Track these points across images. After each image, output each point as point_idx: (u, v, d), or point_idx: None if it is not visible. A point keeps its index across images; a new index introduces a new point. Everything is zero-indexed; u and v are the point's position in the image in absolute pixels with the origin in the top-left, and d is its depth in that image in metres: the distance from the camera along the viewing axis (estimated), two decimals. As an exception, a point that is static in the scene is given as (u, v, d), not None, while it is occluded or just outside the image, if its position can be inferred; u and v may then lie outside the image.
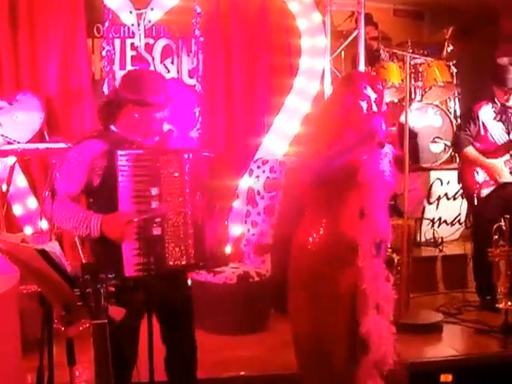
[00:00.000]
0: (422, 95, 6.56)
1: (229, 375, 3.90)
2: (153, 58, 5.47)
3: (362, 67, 6.12)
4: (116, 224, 2.77)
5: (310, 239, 3.04)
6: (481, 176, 4.99)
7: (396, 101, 6.73)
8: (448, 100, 6.96)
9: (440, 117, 6.43)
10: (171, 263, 2.82)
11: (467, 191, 5.12)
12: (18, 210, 5.34)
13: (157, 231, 2.82)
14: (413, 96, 6.56)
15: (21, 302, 3.68)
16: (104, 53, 5.41)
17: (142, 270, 2.78)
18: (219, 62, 6.08)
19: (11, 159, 5.13)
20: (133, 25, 5.45)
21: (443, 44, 6.89)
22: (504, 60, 4.92)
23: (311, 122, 4.76)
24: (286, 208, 5.08)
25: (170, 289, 2.97)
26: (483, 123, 4.97)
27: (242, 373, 3.95)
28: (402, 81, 6.21)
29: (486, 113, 4.97)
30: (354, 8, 6.28)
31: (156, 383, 2.88)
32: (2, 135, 5.12)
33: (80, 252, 5.26)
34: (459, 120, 6.20)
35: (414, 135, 6.14)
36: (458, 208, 6.02)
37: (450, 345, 4.45)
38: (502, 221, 4.53)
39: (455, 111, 6.89)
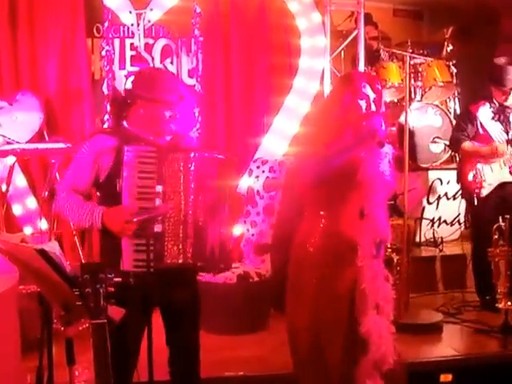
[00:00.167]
0: (422, 95, 6.56)
1: (228, 375, 3.90)
2: (152, 58, 5.47)
3: (361, 67, 6.12)
4: (117, 218, 2.78)
5: (311, 239, 3.04)
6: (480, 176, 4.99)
7: (396, 101, 6.73)
8: (448, 100, 6.96)
9: (440, 117, 6.43)
10: (168, 261, 2.82)
11: (466, 191, 5.12)
12: (17, 209, 5.33)
13: (158, 228, 2.82)
14: (412, 96, 6.57)
15: (20, 302, 3.68)
16: (103, 53, 5.42)
17: (140, 265, 2.78)
18: (219, 62, 6.08)
19: (11, 159, 5.13)
20: (132, 25, 5.45)
21: (443, 44, 6.90)
22: (501, 60, 4.92)
23: (310, 122, 4.76)
24: (285, 208, 5.08)
25: (175, 288, 2.97)
26: (481, 123, 4.96)
27: (242, 373, 3.95)
28: (402, 81, 6.22)
29: (484, 113, 4.96)
30: (354, 8, 6.28)
31: (156, 383, 2.88)
32: (2, 135, 5.12)
33: (80, 252, 5.27)
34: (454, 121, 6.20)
35: (411, 135, 6.14)
36: (457, 208, 6.01)
37: (449, 345, 4.44)
38: (501, 220, 4.53)
39: (455, 111, 6.89)
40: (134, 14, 5.47)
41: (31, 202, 5.36)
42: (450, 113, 6.66)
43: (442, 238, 6.08)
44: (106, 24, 5.39)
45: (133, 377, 2.98)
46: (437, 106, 6.49)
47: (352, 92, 3.01)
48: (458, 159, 5.67)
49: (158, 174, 2.82)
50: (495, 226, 4.56)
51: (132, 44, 5.45)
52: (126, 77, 5.45)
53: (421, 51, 6.71)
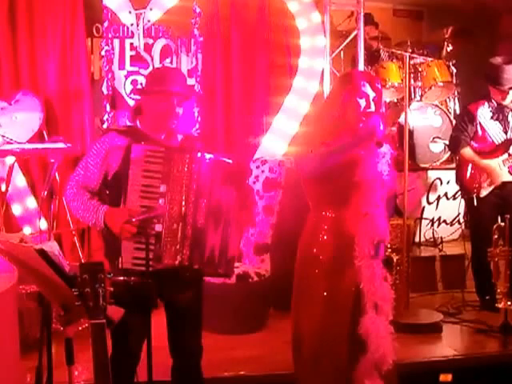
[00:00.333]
0: (422, 95, 6.56)
1: (228, 375, 3.91)
2: (152, 58, 5.47)
3: (361, 67, 6.12)
4: (117, 219, 2.79)
5: (316, 239, 3.04)
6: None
7: (395, 101, 6.73)
8: (448, 100, 6.96)
9: (440, 117, 6.43)
10: (166, 261, 2.81)
11: (466, 191, 5.11)
12: (17, 209, 5.33)
13: (158, 228, 2.82)
14: (412, 96, 6.56)
15: (20, 302, 3.68)
16: (103, 52, 5.42)
17: (139, 264, 2.78)
18: (218, 61, 6.08)
19: (10, 159, 5.12)
20: (132, 25, 5.45)
21: (443, 44, 6.89)
22: (498, 60, 4.91)
23: (310, 121, 4.76)
24: (285, 208, 5.08)
25: (180, 288, 2.97)
26: (480, 123, 4.96)
27: (242, 372, 3.95)
28: (402, 81, 6.21)
29: (483, 113, 4.96)
30: (354, 8, 6.27)
31: (155, 383, 2.88)
32: (2, 135, 5.12)
33: (79, 252, 5.27)
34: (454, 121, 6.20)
35: (411, 135, 6.14)
36: (457, 208, 6.01)
37: (449, 344, 4.44)
38: (500, 220, 4.53)
39: (455, 111, 6.89)
40: (134, 14, 5.47)
41: (31, 202, 5.36)
42: (450, 113, 6.66)
43: (441, 237, 6.09)
44: (106, 24, 5.40)
45: (133, 379, 2.99)
46: (437, 105, 6.49)
47: (351, 91, 3.02)
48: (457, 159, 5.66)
49: (164, 173, 2.82)
50: (495, 226, 4.57)
51: (131, 44, 5.46)
52: (126, 77, 5.46)
53: (421, 51, 6.71)
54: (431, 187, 6.26)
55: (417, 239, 6.08)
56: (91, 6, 5.71)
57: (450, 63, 6.63)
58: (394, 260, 4.80)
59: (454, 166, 5.85)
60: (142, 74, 5.46)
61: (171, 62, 5.50)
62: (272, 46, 6.21)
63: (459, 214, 6.20)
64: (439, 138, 6.33)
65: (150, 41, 5.49)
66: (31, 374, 3.13)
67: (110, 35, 5.40)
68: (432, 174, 6.30)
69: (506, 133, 4.95)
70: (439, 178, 6.26)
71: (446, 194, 6.27)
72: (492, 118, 4.95)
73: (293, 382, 3.25)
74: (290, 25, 6.16)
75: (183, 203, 2.84)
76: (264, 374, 3.95)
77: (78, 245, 5.28)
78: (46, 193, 4.65)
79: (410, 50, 6.40)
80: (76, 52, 5.61)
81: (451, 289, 5.52)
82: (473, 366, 4.16)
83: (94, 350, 2.08)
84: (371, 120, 2.95)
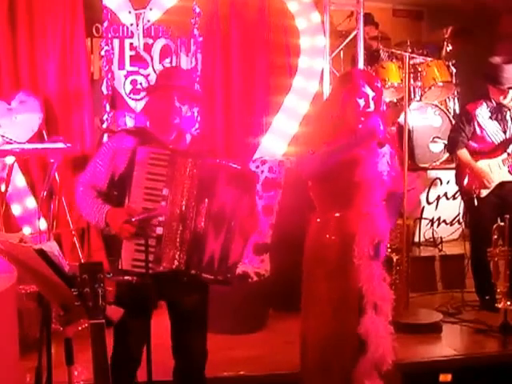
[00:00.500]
0: (422, 95, 6.56)
1: (227, 375, 3.90)
2: (151, 58, 5.47)
3: (361, 67, 6.11)
4: (117, 219, 2.78)
5: (324, 238, 3.04)
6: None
7: (395, 101, 6.73)
8: (447, 100, 6.96)
9: (439, 117, 6.43)
10: (164, 264, 2.81)
11: (466, 192, 5.11)
12: (16, 209, 5.33)
13: (159, 231, 2.81)
14: (412, 96, 6.56)
15: (19, 302, 3.68)
16: (103, 52, 5.43)
17: (138, 266, 2.77)
18: (218, 61, 6.08)
19: (10, 159, 5.12)
20: (132, 24, 5.46)
21: (442, 44, 6.89)
22: (497, 59, 4.92)
23: (311, 120, 4.77)
24: (285, 208, 5.09)
25: (183, 291, 2.96)
26: (479, 123, 4.96)
27: (241, 372, 3.95)
28: (402, 81, 6.21)
29: (482, 113, 4.96)
30: (353, 8, 6.28)
31: (155, 383, 2.88)
32: (2, 135, 5.11)
33: (79, 252, 5.27)
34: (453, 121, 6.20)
35: (410, 135, 6.14)
36: (457, 208, 6.01)
37: (449, 344, 4.45)
38: (499, 220, 4.53)
39: (454, 111, 6.89)
40: (134, 14, 5.48)
41: (30, 202, 5.35)
42: (450, 113, 6.66)
43: (441, 237, 6.08)
44: (106, 24, 5.40)
45: (134, 381, 2.99)
46: (436, 105, 6.49)
47: (350, 91, 3.02)
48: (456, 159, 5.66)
49: (168, 177, 2.82)
50: (495, 226, 4.57)
51: (131, 44, 5.46)
52: (126, 77, 5.46)
53: (420, 51, 6.71)
54: (431, 187, 6.25)
55: (416, 239, 6.08)
56: (91, 5, 5.71)
57: (450, 63, 6.63)
58: (394, 260, 4.81)
59: (453, 165, 5.85)
60: (142, 74, 5.47)
61: (171, 62, 5.50)
62: (272, 46, 6.21)
63: (459, 213, 6.19)
64: (439, 137, 6.33)
65: (150, 41, 5.49)
66: (31, 374, 3.12)
67: (109, 35, 5.41)
68: (432, 174, 6.29)
69: (504, 132, 4.95)
70: (439, 178, 6.26)
71: (445, 194, 6.27)
72: (490, 117, 4.95)
73: (294, 381, 3.26)
74: (289, 25, 6.16)
75: (183, 207, 2.83)
76: (263, 374, 3.94)
77: (77, 245, 5.28)
78: (45, 193, 4.66)
79: (410, 50, 6.40)
80: (76, 52, 5.61)
81: (451, 289, 5.52)
82: (472, 366, 4.15)
83: (94, 350, 2.08)
84: (371, 120, 2.95)
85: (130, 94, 5.47)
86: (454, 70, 6.62)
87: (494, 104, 4.94)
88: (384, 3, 8.04)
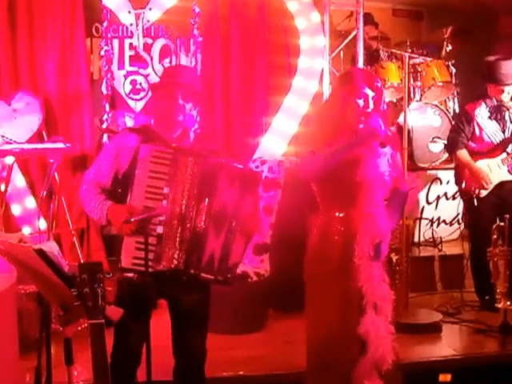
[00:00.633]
0: (421, 95, 6.56)
1: (227, 375, 3.90)
2: (151, 58, 5.47)
3: (360, 67, 6.11)
4: (117, 217, 2.79)
5: (329, 238, 3.04)
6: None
7: (395, 101, 6.73)
8: (447, 100, 6.96)
9: (439, 116, 6.43)
10: (164, 263, 2.81)
11: (466, 192, 5.10)
12: (16, 209, 5.33)
13: (160, 230, 2.81)
14: (412, 96, 6.56)
15: (19, 302, 3.68)
16: (102, 52, 5.43)
17: (138, 264, 2.78)
18: (217, 61, 6.08)
19: (10, 159, 5.12)
20: (131, 24, 5.46)
21: (442, 44, 6.88)
22: (492, 58, 4.92)
23: (311, 121, 4.77)
24: (284, 208, 5.08)
25: (183, 290, 2.96)
26: (478, 123, 4.96)
27: (241, 372, 3.95)
28: (401, 80, 6.21)
29: (481, 113, 4.96)
30: (353, 8, 6.28)
31: (153, 383, 2.88)
32: (1, 135, 5.11)
33: (78, 252, 5.27)
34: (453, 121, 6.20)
35: (410, 135, 6.14)
36: (456, 208, 6.01)
37: (448, 344, 4.44)
38: (498, 220, 4.53)
39: (454, 111, 6.88)
40: (133, 14, 5.48)
41: (30, 202, 5.35)
42: (450, 113, 6.65)
43: (441, 237, 6.08)
44: (105, 24, 5.40)
45: (134, 381, 2.99)
46: (436, 105, 6.49)
47: (350, 91, 3.01)
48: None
49: (169, 175, 2.82)
50: (494, 226, 4.56)
51: (131, 44, 5.46)
52: (125, 77, 5.46)
53: (420, 51, 6.69)
54: (430, 187, 6.25)
55: (416, 239, 6.08)
56: (91, 5, 5.71)
57: (450, 63, 6.63)
58: (394, 260, 4.80)
59: (453, 165, 5.85)
60: (142, 74, 5.47)
61: (170, 62, 5.50)
62: (271, 46, 6.21)
63: (458, 213, 6.19)
64: (438, 137, 6.33)
65: (150, 41, 5.49)
66: (30, 374, 3.13)
67: (109, 35, 5.41)
68: (431, 174, 6.29)
69: (503, 132, 4.95)
70: (439, 178, 6.26)
71: (445, 194, 6.26)
72: (490, 117, 4.95)
73: (294, 381, 3.26)
74: (289, 25, 6.17)
75: (183, 206, 2.83)
76: (263, 374, 3.94)
77: (77, 245, 5.28)
78: (45, 193, 4.66)
79: (410, 50, 6.39)
80: (75, 52, 5.61)
81: (450, 289, 5.52)
82: (472, 366, 4.15)
83: (93, 350, 2.08)
84: (372, 120, 2.95)
85: (129, 93, 5.47)
86: (454, 70, 6.62)
87: (494, 103, 4.94)
88: (384, 3, 8.04)
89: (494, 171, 4.93)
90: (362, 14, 6.12)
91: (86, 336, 2.11)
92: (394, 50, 6.73)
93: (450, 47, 6.87)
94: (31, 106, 5.29)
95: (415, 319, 4.69)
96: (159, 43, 5.50)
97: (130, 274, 2.81)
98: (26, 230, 5.24)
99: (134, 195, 2.81)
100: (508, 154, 4.92)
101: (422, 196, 6.22)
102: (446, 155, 6.36)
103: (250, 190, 2.94)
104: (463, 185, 5.05)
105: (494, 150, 4.95)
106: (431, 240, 6.09)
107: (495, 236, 4.55)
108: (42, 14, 5.50)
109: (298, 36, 6.12)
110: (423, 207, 6.24)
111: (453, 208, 6.15)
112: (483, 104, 4.97)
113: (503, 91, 4.86)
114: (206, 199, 2.84)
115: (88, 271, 2.13)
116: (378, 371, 2.98)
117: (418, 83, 6.53)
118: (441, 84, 6.48)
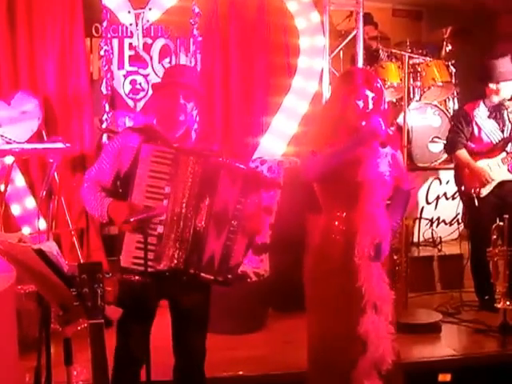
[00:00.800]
0: (421, 95, 6.56)
1: (227, 375, 3.90)
2: (151, 58, 5.47)
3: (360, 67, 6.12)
4: (118, 214, 2.79)
5: (331, 238, 3.04)
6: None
7: (395, 101, 6.73)
8: (447, 100, 6.96)
9: (439, 117, 6.43)
10: (164, 262, 2.81)
11: (465, 192, 5.10)
12: (16, 209, 5.33)
13: (160, 229, 2.81)
14: (411, 96, 6.56)
15: (18, 302, 3.68)
16: (102, 52, 5.42)
17: (138, 264, 2.77)
18: (217, 61, 6.08)
19: (9, 159, 5.12)
20: (131, 24, 5.46)
21: (442, 44, 6.89)
22: (488, 58, 4.93)
23: (311, 121, 4.77)
24: (284, 208, 5.08)
25: (184, 289, 2.95)
26: (477, 123, 4.96)
27: (240, 372, 3.95)
28: (401, 80, 6.21)
29: (480, 113, 4.96)
30: (353, 8, 6.28)
31: (153, 383, 2.88)
32: (1, 135, 5.11)
33: (78, 252, 5.26)
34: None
35: (410, 135, 6.14)
36: (456, 208, 6.01)
37: (448, 344, 4.45)
38: (498, 220, 4.53)
39: (454, 111, 6.89)
40: (133, 14, 5.48)
41: (30, 202, 5.35)
42: (449, 113, 6.65)
43: (440, 237, 6.08)
44: (105, 24, 5.40)
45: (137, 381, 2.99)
46: (436, 105, 6.49)
47: (350, 92, 3.01)
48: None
49: (170, 175, 2.81)
50: (494, 226, 4.56)
51: (131, 44, 5.46)
52: (125, 76, 5.46)
53: (420, 51, 6.70)
54: (430, 187, 6.25)
55: (416, 239, 6.08)
56: (90, 5, 5.71)
57: (449, 63, 6.63)
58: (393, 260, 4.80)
59: (452, 165, 5.86)
60: (141, 74, 5.47)
61: (170, 62, 5.50)
62: (271, 46, 6.21)
63: (458, 213, 6.20)
64: (438, 137, 6.33)
65: (149, 41, 5.49)
66: (30, 374, 3.13)
67: (109, 35, 5.41)
68: (431, 174, 6.29)
69: (502, 131, 4.95)
70: (438, 178, 6.26)
71: (445, 194, 6.26)
72: (489, 117, 4.95)
73: (294, 381, 3.26)
74: (289, 24, 6.17)
75: (184, 206, 2.83)
76: (263, 374, 3.94)
77: (76, 245, 5.28)
78: (44, 193, 4.66)
79: (409, 50, 6.40)
80: (75, 52, 5.60)
81: (450, 289, 5.51)
82: (472, 366, 4.16)
83: (93, 350, 2.08)
84: (373, 120, 2.95)
85: (129, 93, 5.47)
86: (454, 70, 6.62)
87: (492, 103, 4.94)
88: (383, 3, 8.04)
89: (494, 170, 4.93)
90: (361, 14, 6.12)
91: (86, 336, 2.11)
92: (393, 50, 6.74)
93: (449, 47, 6.88)
94: (31, 106, 5.29)
95: (415, 319, 4.69)
96: (159, 43, 5.50)
97: (132, 276, 2.81)
98: (26, 230, 5.23)
99: (135, 195, 2.81)
100: (508, 153, 4.92)
101: (421, 196, 6.23)
102: (446, 155, 6.36)
103: (251, 189, 2.93)
104: (463, 187, 5.05)
105: (493, 150, 4.95)
106: (431, 240, 6.09)
107: (495, 236, 4.55)
108: (42, 14, 5.50)
109: (297, 36, 6.12)
110: (423, 207, 6.24)
111: (452, 208, 6.15)
112: (482, 104, 4.97)
113: (501, 89, 4.86)
114: (207, 199, 2.84)
115: (87, 271, 2.12)
116: (377, 371, 2.98)
117: (418, 83, 6.53)
118: (440, 84, 6.48)
